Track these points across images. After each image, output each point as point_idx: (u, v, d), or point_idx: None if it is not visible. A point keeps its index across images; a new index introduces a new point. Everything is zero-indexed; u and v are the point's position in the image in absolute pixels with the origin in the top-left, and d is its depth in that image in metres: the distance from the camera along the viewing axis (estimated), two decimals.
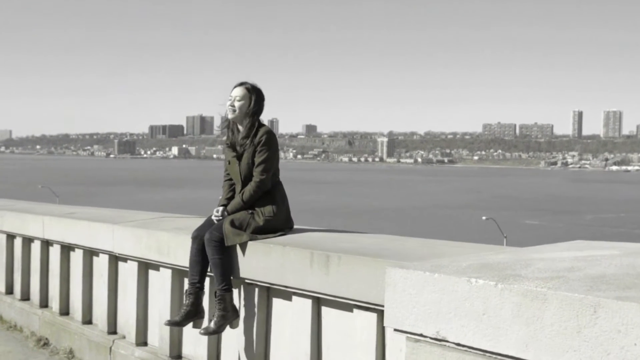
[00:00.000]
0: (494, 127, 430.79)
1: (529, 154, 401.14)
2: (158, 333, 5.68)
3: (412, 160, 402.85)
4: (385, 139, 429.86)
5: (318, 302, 4.34)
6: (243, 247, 4.68)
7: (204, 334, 4.74)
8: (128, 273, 6.12)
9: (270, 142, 4.82)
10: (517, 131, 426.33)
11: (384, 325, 3.20)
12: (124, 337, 6.18)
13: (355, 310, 4.03)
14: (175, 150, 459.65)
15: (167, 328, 5.51)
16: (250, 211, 4.79)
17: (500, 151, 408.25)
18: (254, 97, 4.86)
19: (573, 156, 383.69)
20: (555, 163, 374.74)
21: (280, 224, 4.82)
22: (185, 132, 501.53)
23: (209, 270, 4.83)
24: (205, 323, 4.88)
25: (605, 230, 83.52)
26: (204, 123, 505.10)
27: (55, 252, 7.24)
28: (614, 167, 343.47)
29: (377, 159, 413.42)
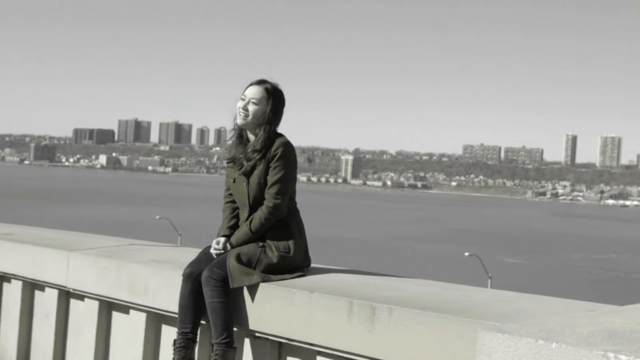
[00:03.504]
0: (475, 149, 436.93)
1: (514, 181, 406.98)
2: None
3: (380, 184, 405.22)
4: (351, 158, 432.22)
5: None
6: (252, 290, 4.28)
7: None
8: (84, 314, 5.64)
9: (288, 156, 4.45)
10: (502, 155, 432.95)
11: None
12: None
13: None
14: (103, 159, 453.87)
15: None
16: (260, 244, 4.38)
17: (482, 177, 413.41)
18: (273, 101, 4.48)
19: (564, 186, 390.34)
20: (544, 193, 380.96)
21: (297, 262, 4.43)
22: (116, 138, 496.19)
23: (202, 317, 4.41)
24: None
25: (598, 273, 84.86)
26: (139, 129, 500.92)
27: None
28: (610, 201, 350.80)
29: (340, 180, 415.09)
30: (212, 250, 4.47)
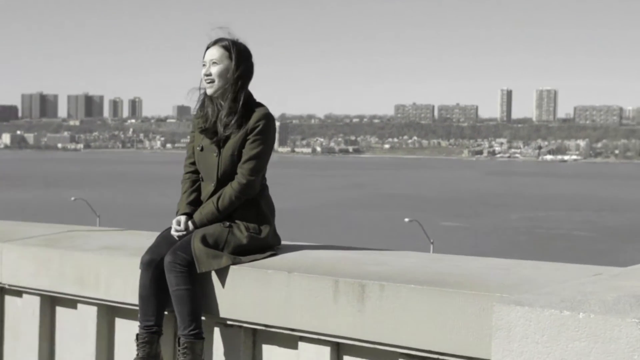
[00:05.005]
0: (408, 109, 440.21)
1: (450, 141, 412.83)
2: None
3: (309, 150, 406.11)
4: (277, 124, 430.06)
5: (338, 350, 3.84)
6: (221, 274, 4.11)
7: None
8: (23, 312, 5.37)
9: (269, 131, 4.28)
10: (436, 114, 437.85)
11: None
12: None
13: None
14: (6, 138, 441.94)
15: None
16: (227, 223, 4.20)
17: (415, 138, 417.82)
18: (236, 56, 4.25)
19: (501, 144, 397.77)
20: (481, 152, 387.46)
21: (268, 242, 4.27)
22: (20, 114, 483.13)
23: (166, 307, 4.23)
24: None
25: (538, 232, 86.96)
26: (46, 103, 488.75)
27: None
28: (549, 157, 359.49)
29: None
30: (173, 232, 4.27)
